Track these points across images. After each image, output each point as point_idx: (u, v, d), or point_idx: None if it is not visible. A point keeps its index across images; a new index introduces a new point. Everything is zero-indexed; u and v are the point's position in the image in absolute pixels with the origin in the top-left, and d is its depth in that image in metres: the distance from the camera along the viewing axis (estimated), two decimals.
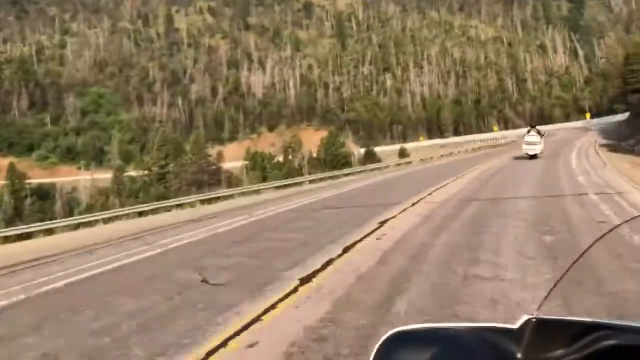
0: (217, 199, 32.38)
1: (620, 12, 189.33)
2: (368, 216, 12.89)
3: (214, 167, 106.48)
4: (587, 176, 17.59)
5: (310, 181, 37.92)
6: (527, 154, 27.31)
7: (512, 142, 72.30)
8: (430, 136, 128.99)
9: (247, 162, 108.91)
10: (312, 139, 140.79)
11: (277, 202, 21.35)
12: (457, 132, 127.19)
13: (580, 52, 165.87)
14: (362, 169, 47.18)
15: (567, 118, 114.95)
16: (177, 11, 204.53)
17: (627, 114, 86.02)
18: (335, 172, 45.08)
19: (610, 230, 4.46)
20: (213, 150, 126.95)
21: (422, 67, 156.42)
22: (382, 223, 11.74)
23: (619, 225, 6.40)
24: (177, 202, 30.98)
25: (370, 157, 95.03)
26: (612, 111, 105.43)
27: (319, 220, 13.90)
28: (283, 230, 12.63)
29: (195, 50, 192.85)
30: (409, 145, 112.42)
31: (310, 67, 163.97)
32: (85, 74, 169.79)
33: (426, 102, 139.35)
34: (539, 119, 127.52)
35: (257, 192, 34.32)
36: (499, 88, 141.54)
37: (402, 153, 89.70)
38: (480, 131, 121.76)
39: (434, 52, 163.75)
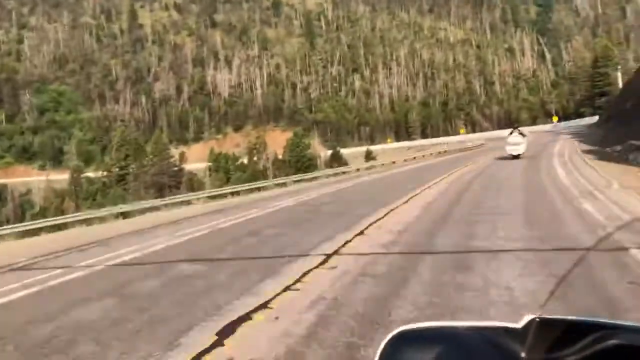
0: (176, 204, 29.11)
1: (587, 17, 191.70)
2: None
3: (175, 168, 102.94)
4: (594, 202, 11.49)
5: (257, 189, 35.04)
6: (511, 154, 27.19)
7: (480, 145, 70.73)
8: (397, 138, 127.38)
9: (210, 164, 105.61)
10: (278, 140, 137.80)
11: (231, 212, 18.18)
12: (424, 135, 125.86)
13: (548, 56, 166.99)
14: (317, 175, 44.39)
15: (534, 121, 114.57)
16: (142, 7, 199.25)
17: (595, 117, 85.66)
18: (287, 179, 42.20)
19: None
20: (177, 151, 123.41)
21: (390, 69, 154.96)
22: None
23: None
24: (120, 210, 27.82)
25: (336, 160, 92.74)
26: (579, 114, 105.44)
27: None
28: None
29: (160, 47, 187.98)
30: (375, 148, 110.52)
31: (278, 66, 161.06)
32: (44, 70, 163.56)
33: (394, 104, 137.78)
34: (506, 122, 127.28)
35: (221, 196, 31.08)
36: (466, 90, 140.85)
37: (369, 155, 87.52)
38: (447, 134, 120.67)
39: (402, 54, 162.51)
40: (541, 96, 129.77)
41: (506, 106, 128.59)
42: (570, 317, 0.87)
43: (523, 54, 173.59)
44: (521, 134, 29.01)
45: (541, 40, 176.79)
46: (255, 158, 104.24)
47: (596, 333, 0.80)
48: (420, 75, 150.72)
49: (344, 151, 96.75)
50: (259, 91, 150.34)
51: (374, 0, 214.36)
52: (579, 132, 57.37)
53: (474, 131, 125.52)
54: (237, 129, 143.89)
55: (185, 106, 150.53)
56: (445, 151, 60.59)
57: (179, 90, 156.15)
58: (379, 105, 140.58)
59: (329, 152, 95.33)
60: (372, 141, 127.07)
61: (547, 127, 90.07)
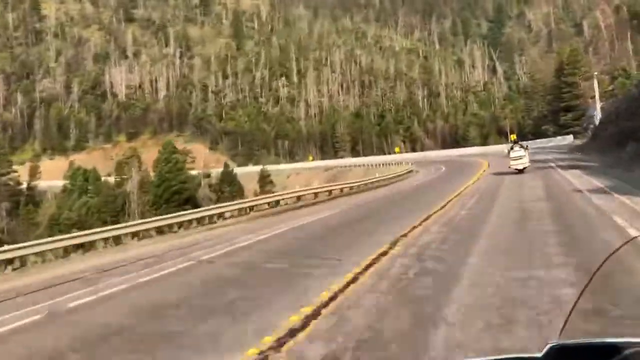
0: None
1: (540, 31, 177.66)
2: None
3: (22, 186, 77.06)
4: None
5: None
6: (516, 169, 25.31)
7: (412, 172, 48.86)
8: (323, 155, 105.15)
9: (67, 182, 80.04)
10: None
11: None
12: (355, 152, 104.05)
13: (500, 69, 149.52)
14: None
15: (484, 140, 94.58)
16: None
17: (569, 138, 65.18)
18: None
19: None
20: (49, 162, 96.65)
21: (321, 75, 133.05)
22: None
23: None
24: None
25: (229, 182, 69.22)
26: (537, 133, 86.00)
27: None
28: None
29: (62, 41, 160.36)
30: (289, 167, 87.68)
31: (192, 67, 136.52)
32: None
33: (323, 114, 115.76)
34: (451, 140, 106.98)
35: None
36: (408, 102, 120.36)
37: (264, 179, 64.42)
38: (382, 152, 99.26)
39: (338, 58, 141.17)
40: (492, 111, 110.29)
41: (452, 121, 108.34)
42: (588, 340, 0.85)
43: (473, 67, 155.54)
44: (522, 147, 26.12)
45: (493, 54, 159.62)
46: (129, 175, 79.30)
47: (616, 354, 0.76)
48: (357, 83, 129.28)
49: (238, 171, 73.32)
50: (162, 93, 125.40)
51: (317, 4, 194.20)
52: (567, 160, 34.40)
53: (413, 149, 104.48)
54: (131, 137, 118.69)
55: (74, 108, 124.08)
56: (356, 187, 37.43)
57: (68, 89, 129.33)
58: (304, 114, 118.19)
59: (218, 171, 71.72)
60: (292, 157, 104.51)
61: (505, 148, 69.05)
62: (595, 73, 69.88)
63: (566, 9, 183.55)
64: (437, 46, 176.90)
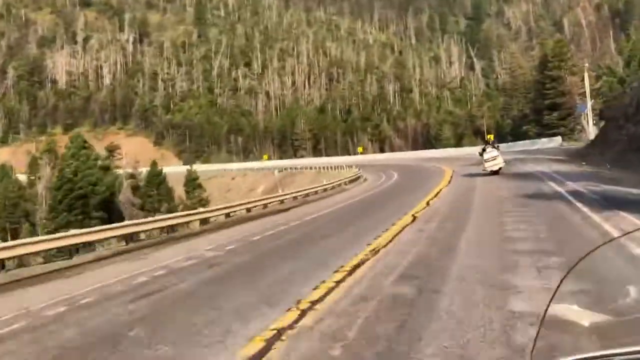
0: None
1: (519, 29, 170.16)
2: None
3: None
4: None
5: None
6: (491, 170, 24.25)
7: (359, 179, 38.95)
8: (282, 154, 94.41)
9: None
10: (124, 147, 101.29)
11: None
12: (317, 151, 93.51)
13: (478, 66, 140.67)
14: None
15: (459, 140, 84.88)
16: None
17: (557, 139, 55.73)
18: None
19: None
20: None
21: (286, 64, 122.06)
22: None
23: None
24: None
25: (156, 185, 57.90)
26: (517, 134, 76.93)
27: None
28: None
29: (7, 22, 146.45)
30: (237, 167, 76.73)
31: (143, 54, 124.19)
32: None
33: (283, 107, 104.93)
34: (423, 140, 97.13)
35: None
36: (378, 97, 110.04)
37: (190, 183, 53.54)
38: (347, 152, 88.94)
39: (305, 48, 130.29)
40: (469, 109, 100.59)
41: (425, 118, 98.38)
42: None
43: (450, 64, 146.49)
44: (494, 147, 25.50)
45: (470, 50, 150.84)
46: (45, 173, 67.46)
47: None
48: (323, 75, 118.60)
49: (169, 170, 62.19)
50: (108, 81, 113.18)
51: None
52: (578, 176, 23.06)
53: (382, 150, 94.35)
54: (68, 128, 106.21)
55: (8, 95, 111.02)
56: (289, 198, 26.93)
57: (4, 74, 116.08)
58: (263, 108, 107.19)
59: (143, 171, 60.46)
60: (247, 155, 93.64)
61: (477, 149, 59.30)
62: (586, 65, 60.21)
63: (546, 6, 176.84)
64: (414, 41, 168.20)
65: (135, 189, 58.58)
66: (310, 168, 56.94)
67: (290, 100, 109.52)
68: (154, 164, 59.55)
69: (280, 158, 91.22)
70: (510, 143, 60.36)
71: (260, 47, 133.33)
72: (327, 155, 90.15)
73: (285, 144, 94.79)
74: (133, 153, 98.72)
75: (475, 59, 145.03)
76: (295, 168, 61.64)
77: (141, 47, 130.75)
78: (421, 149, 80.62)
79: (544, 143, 51.59)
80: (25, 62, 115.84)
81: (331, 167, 53.56)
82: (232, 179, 69.72)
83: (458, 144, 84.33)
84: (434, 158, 54.36)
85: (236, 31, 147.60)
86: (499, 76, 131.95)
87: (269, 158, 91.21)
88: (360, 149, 77.31)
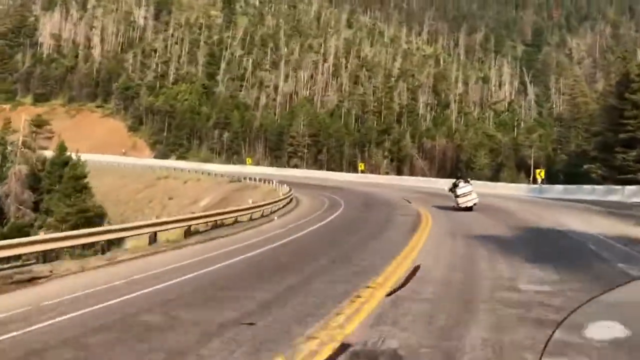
0: None
1: (582, 59, 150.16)
2: None
3: None
4: None
5: None
6: (466, 206, 22.11)
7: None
8: (275, 160, 77.15)
9: None
10: (93, 128, 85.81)
11: None
12: (316, 162, 75.72)
13: (531, 90, 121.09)
14: None
15: (496, 173, 65.94)
16: None
17: (633, 188, 35.41)
18: None
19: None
20: None
21: (305, 58, 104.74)
22: None
23: None
24: None
25: (58, 176, 41.16)
26: (572, 175, 56.96)
27: None
28: None
29: None
30: (199, 168, 59.76)
31: (144, 29, 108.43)
32: None
33: (287, 106, 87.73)
34: (452, 163, 78.25)
35: None
36: (406, 108, 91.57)
37: (70, 182, 36.51)
38: (353, 167, 71.01)
39: (335, 46, 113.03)
40: (514, 136, 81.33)
41: (459, 139, 79.54)
42: None
43: (500, 85, 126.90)
44: (467, 181, 23.57)
45: (525, 74, 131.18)
46: None
47: None
48: (347, 75, 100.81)
49: (112, 160, 45.51)
50: (96, 52, 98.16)
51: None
52: None
53: (398, 172, 75.93)
54: (39, 99, 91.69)
55: None
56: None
57: None
58: (264, 102, 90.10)
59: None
60: (230, 155, 76.86)
61: (523, 190, 39.56)
62: None
63: (616, 39, 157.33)
64: (462, 57, 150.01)
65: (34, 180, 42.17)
66: (269, 182, 39.19)
67: (302, 99, 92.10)
68: (61, 147, 42.86)
69: (272, 164, 73.96)
70: (566, 186, 39.94)
71: (285, 40, 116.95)
72: (329, 169, 72.41)
73: (281, 148, 77.34)
74: (101, 138, 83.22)
75: (529, 84, 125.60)
76: (254, 179, 44.03)
77: (154, 24, 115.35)
78: (444, 177, 61.73)
79: (602, 193, 31.55)
80: (8, 18, 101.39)
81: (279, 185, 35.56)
82: (184, 182, 52.79)
83: (495, 175, 65.37)
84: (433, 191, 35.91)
85: (265, 22, 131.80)
86: (554, 105, 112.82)
87: (257, 163, 74.19)
88: (361, 166, 59.19)
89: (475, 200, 22.11)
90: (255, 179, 43.42)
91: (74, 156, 41.95)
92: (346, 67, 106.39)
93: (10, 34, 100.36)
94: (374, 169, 75.87)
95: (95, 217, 42.78)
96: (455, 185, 23.02)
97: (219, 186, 46.93)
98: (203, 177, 52.64)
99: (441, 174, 71.54)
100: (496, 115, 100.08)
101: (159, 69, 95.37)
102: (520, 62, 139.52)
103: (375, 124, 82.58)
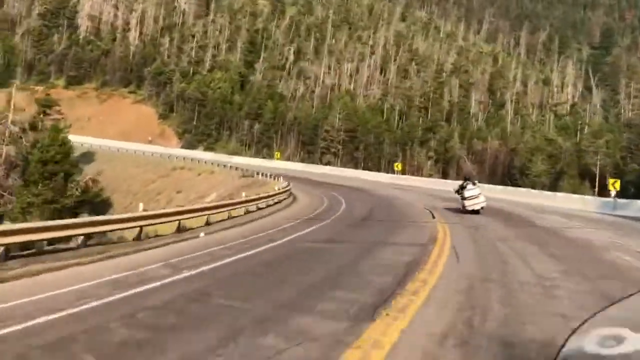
0: None
1: None
2: None
3: None
4: None
5: None
6: (473, 210, 21.36)
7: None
8: (307, 155, 71.21)
9: None
10: (122, 114, 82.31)
11: None
12: (352, 159, 69.27)
13: (597, 95, 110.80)
14: None
15: (555, 179, 57.83)
16: None
17: None
18: None
19: None
20: None
21: (351, 50, 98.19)
22: None
23: None
24: None
25: (42, 161, 36.44)
26: None
27: None
28: None
29: None
30: (217, 159, 54.61)
31: (184, 13, 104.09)
32: None
33: (327, 99, 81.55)
34: (504, 168, 70.20)
35: None
36: (457, 106, 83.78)
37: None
38: (389, 167, 64.28)
39: (384, 37, 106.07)
40: (577, 142, 72.46)
41: (514, 142, 71.42)
42: None
43: (562, 87, 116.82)
44: (474, 184, 22.59)
45: (591, 77, 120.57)
46: None
47: None
48: (394, 68, 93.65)
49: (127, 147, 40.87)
50: (132, 35, 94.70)
51: None
52: None
53: (444, 174, 68.61)
54: (72, 82, 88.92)
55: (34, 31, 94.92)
56: None
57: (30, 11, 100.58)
58: (301, 93, 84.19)
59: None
60: (259, 149, 71.47)
61: (591, 204, 31.04)
62: None
63: None
64: (523, 57, 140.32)
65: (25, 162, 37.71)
66: (275, 178, 33.35)
67: (342, 91, 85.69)
68: (54, 128, 38.16)
69: (303, 160, 68.04)
70: (628, 200, 31.00)
71: (332, 31, 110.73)
72: (365, 168, 65.86)
73: (315, 143, 71.24)
74: (130, 124, 79.59)
75: (595, 88, 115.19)
76: (266, 176, 38.13)
77: (196, 9, 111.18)
78: (503, 185, 54.13)
79: None
80: None
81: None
82: (198, 174, 47.70)
83: (553, 184, 57.34)
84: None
85: (313, 12, 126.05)
86: (622, 109, 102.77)
87: (288, 159, 68.51)
88: (397, 166, 52.36)
89: (483, 204, 21.30)
90: (267, 175, 37.45)
91: (72, 138, 37.22)
92: (395, 60, 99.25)
93: (49, 14, 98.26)
94: (415, 170, 68.82)
95: (99, 206, 38.30)
96: (462, 187, 22.15)
97: (231, 181, 41.46)
98: (218, 169, 47.35)
99: (492, 179, 63.93)
100: (557, 118, 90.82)
101: (195, 55, 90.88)
102: (586, 65, 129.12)
103: (420, 121, 75.34)
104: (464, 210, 21.16)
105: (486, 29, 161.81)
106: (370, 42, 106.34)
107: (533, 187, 48.39)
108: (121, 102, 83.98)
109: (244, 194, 22.80)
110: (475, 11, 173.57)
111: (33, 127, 48.63)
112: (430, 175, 66.38)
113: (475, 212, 20.90)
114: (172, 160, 55.62)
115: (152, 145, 71.43)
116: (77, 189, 36.88)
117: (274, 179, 34.57)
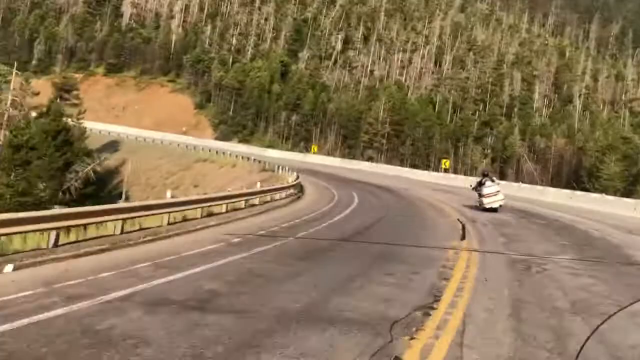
0: None
1: None
2: None
3: None
4: None
5: None
6: (491, 207, 20.23)
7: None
8: (348, 150, 65.44)
9: None
10: (159, 104, 79.21)
11: None
12: (396, 155, 62.93)
13: None
14: None
15: (631, 183, 49.83)
16: None
17: None
18: None
19: None
20: None
21: (404, 39, 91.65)
22: None
23: None
24: None
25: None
26: None
27: None
28: None
29: None
30: (244, 151, 49.98)
31: (244, 3, 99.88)
32: None
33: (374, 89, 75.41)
34: (570, 169, 62.12)
35: None
36: (518, 99, 75.84)
37: None
38: (434, 165, 57.68)
39: (440, 27, 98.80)
40: None
41: (582, 141, 63.26)
42: None
43: (639, 83, 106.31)
44: (493, 180, 21.51)
45: None
46: None
47: None
48: (450, 58, 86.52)
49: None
50: (175, 24, 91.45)
51: None
52: None
53: (501, 175, 61.26)
54: (111, 70, 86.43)
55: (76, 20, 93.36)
56: None
57: None
58: (346, 85, 78.32)
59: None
60: (297, 142, 66.25)
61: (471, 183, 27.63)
62: None
63: None
64: (592, 51, 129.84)
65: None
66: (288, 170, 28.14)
67: (389, 82, 79.33)
68: (55, 108, 34.08)
69: (343, 156, 62.23)
70: None
71: (384, 20, 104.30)
72: (412, 165, 59.49)
73: (355, 137, 65.35)
74: (166, 114, 76.23)
75: None
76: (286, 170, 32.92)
77: None
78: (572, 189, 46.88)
79: None
80: None
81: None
82: (219, 167, 43.08)
83: (627, 190, 49.30)
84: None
85: (366, 1, 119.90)
86: None
87: (328, 153, 63.08)
88: (445, 163, 45.86)
89: (502, 202, 20.41)
90: (286, 169, 32.19)
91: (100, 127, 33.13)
92: (452, 49, 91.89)
93: (95, 2, 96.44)
94: (468, 169, 61.92)
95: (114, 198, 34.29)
96: (480, 184, 21.05)
97: (249, 175, 36.48)
98: (241, 163, 42.52)
99: (556, 182, 56.41)
100: (632, 115, 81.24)
101: (238, 44, 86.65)
102: None
103: (476, 115, 68.17)
104: (481, 208, 19.86)
105: (552, 22, 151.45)
106: (425, 32, 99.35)
107: (605, 192, 40.89)
108: (159, 90, 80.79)
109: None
110: (540, 3, 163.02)
111: (46, 112, 45.32)
112: (491, 178, 59.45)
113: (494, 210, 19.72)
114: (198, 152, 51.29)
115: (185, 136, 67.66)
116: (76, 181, 32.63)
117: (286, 172, 29.50)
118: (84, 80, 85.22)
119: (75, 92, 50.79)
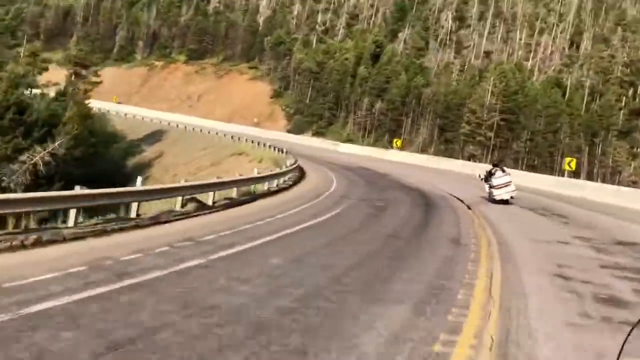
0: None
1: None
2: None
3: None
4: None
5: None
6: (502, 199, 19.37)
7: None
8: (445, 146, 52.00)
9: None
10: (236, 92, 71.06)
11: None
12: (510, 153, 48.24)
13: None
14: None
15: None
16: None
17: None
18: None
19: None
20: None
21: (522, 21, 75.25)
22: None
23: None
24: None
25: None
26: None
27: None
28: None
29: None
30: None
31: None
32: None
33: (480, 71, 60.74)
34: None
35: None
36: None
37: None
38: (558, 168, 42.64)
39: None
40: None
41: None
42: None
43: None
44: (503, 170, 20.42)
45: None
46: None
47: None
48: (588, 35, 69.13)
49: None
50: (263, 4, 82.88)
51: None
52: None
53: None
54: (193, 57, 79.68)
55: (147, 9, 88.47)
56: None
57: None
58: (454, 68, 64.12)
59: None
60: (380, 135, 54.05)
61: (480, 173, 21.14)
62: None
63: None
64: None
65: None
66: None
67: (504, 63, 63.90)
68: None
69: (437, 153, 48.90)
70: None
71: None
72: (529, 166, 44.91)
73: (456, 129, 51.52)
74: (241, 103, 67.89)
75: None
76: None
77: None
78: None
79: None
80: None
81: None
82: (249, 162, 33.06)
83: None
84: None
85: None
86: None
87: (420, 149, 50.29)
88: (570, 163, 31.30)
89: (514, 193, 19.58)
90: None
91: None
92: (592, 25, 74.02)
93: None
94: (610, 173, 45.90)
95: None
96: (490, 174, 19.93)
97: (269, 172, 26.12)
98: (274, 156, 32.16)
99: None
100: None
101: (328, 23, 76.14)
102: None
103: (622, 102, 51.34)
104: (491, 200, 19.17)
105: None
106: (560, 9, 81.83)
107: None
108: (237, 78, 72.67)
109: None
110: None
111: (63, 92, 37.75)
112: (634, 183, 42.99)
113: (504, 201, 18.98)
114: (240, 145, 41.59)
115: (256, 127, 58.45)
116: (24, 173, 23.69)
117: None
118: (164, 68, 79.69)
119: (94, 69, 43.51)
